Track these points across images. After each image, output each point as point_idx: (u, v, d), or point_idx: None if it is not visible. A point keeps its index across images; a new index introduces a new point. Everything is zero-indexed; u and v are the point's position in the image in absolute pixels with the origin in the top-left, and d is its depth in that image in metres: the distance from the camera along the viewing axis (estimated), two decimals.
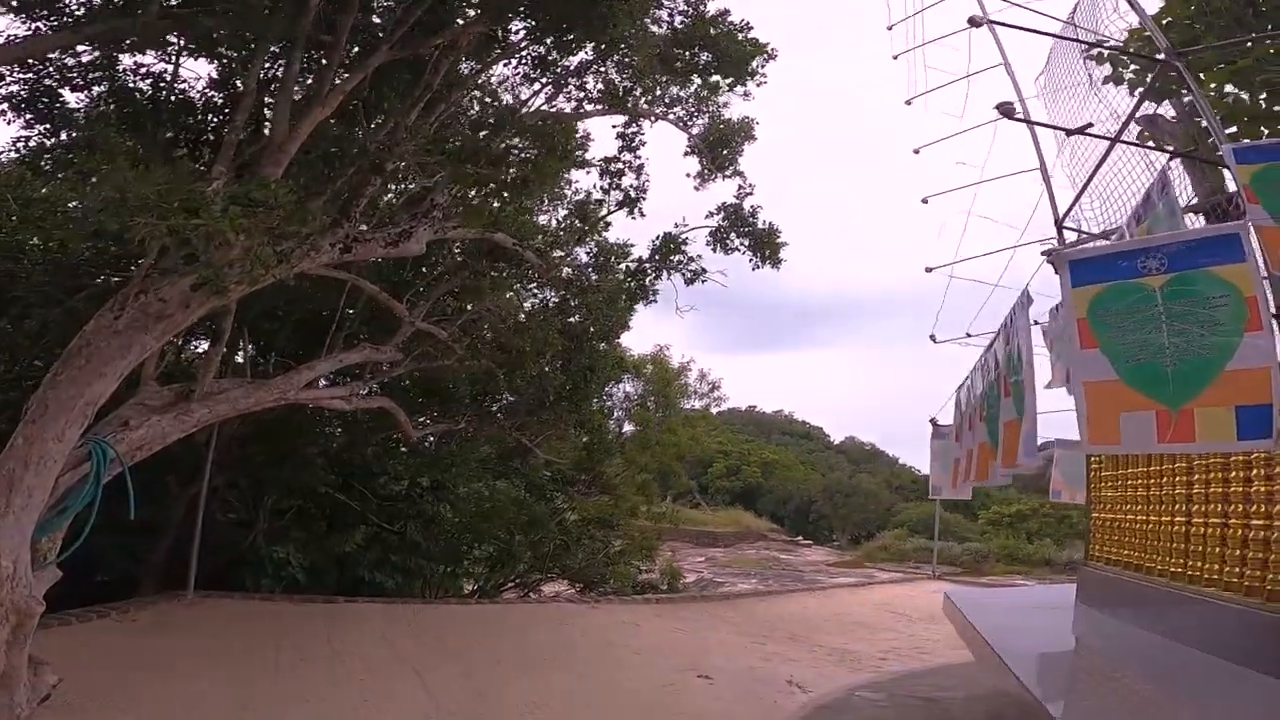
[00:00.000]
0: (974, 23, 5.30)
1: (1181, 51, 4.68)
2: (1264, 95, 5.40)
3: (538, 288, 11.60)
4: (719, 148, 11.18)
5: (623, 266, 11.76)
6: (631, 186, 10.78)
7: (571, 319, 12.03)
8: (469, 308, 10.56)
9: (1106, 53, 6.86)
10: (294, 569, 10.33)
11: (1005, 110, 4.64)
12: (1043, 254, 3.60)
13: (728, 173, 11.41)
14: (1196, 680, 3.65)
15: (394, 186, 8.89)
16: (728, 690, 7.45)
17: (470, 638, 9.11)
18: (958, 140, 8.95)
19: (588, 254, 11.91)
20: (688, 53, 8.95)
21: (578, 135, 8.40)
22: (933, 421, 8.91)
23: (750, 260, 10.99)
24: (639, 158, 10.63)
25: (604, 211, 11.21)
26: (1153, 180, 4.85)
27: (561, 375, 12.16)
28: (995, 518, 34.25)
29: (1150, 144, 6.98)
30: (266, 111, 7.79)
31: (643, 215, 10.97)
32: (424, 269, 11.13)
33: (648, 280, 11.51)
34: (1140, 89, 6.64)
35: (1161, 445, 3.11)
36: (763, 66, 8.92)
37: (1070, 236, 7.82)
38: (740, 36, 8.63)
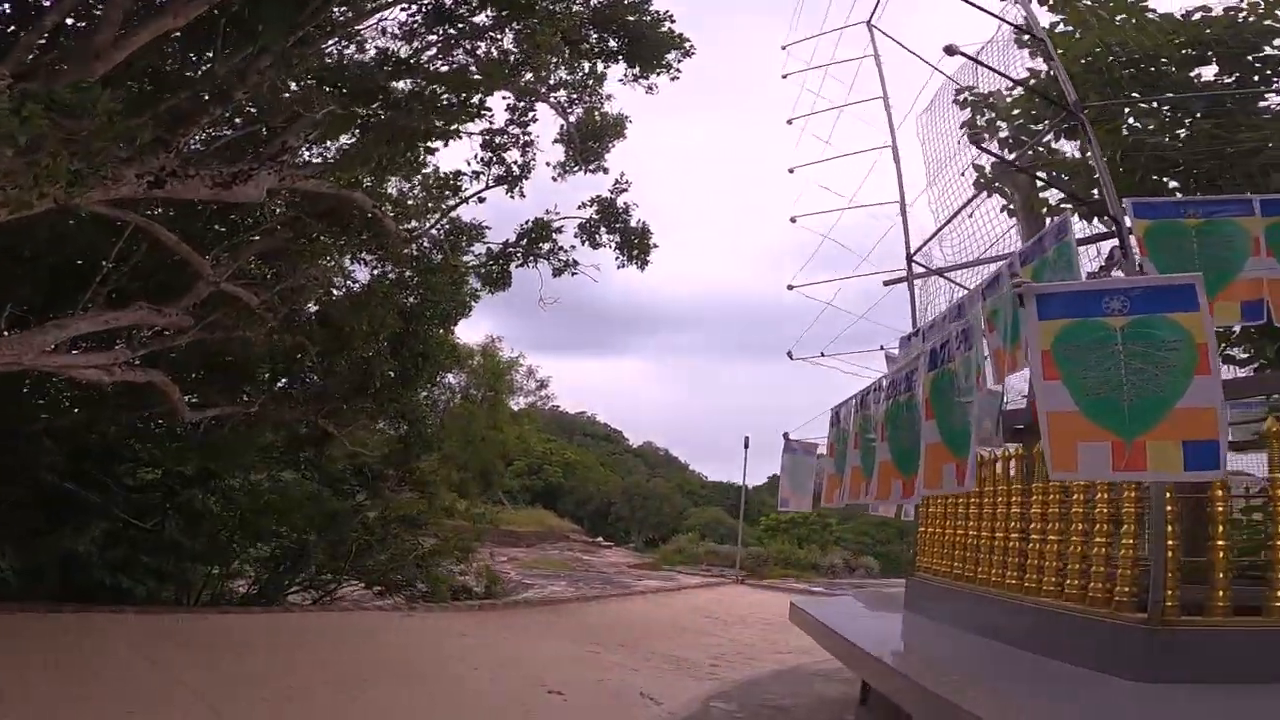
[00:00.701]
0: (950, 50, 5.49)
1: (1089, 105, 5.19)
2: (1120, 155, 6.15)
3: (377, 261, 10.35)
4: (589, 140, 10.79)
5: (481, 249, 10.91)
6: (516, 163, 10.03)
7: (410, 299, 10.92)
8: (286, 272, 9.10)
9: (995, 100, 7.53)
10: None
11: (950, 49, 4.69)
12: (1013, 284, 3.66)
13: (591, 167, 11.05)
14: (1053, 681, 4.00)
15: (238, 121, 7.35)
16: (584, 707, 7.06)
17: (264, 653, 7.72)
18: (836, 164, 9.40)
19: (438, 230, 10.88)
20: (598, 35, 8.47)
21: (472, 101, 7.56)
22: (785, 436, 9.26)
23: (617, 259, 10.72)
24: (528, 134, 9.91)
25: (479, 187, 10.28)
26: (1049, 226, 5.32)
27: (392, 359, 10.98)
28: (772, 524, 37.27)
29: (1001, 188, 7.84)
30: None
31: (523, 196, 10.24)
32: (236, 220, 9.43)
33: (512, 266, 10.76)
34: (1016, 138, 7.37)
35: (1116, 474, 3.33)
36: (678, 61, 8.70)
37: (918, 269, 8.59)
38: (661, 27, 8.33)
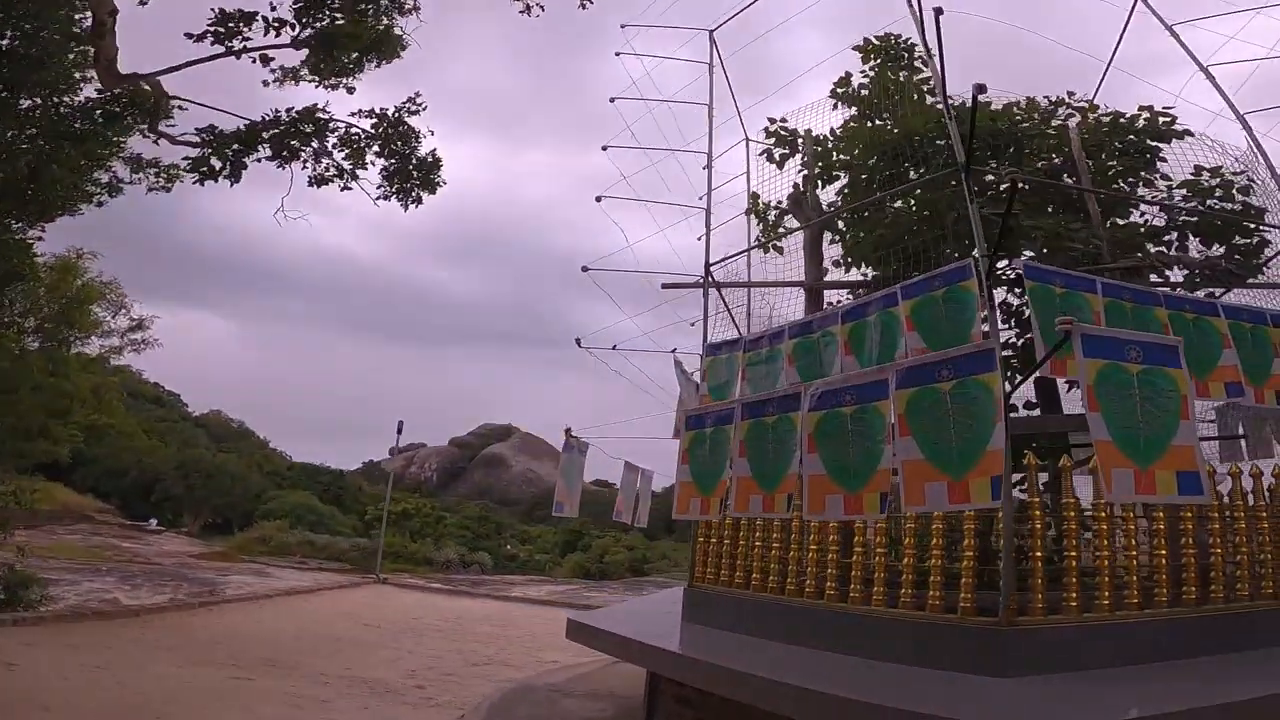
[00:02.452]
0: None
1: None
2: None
3: None
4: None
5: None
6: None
7: None
8: None
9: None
10: None
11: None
12: (1059, 324, 3.72)
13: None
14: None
15: None
16: None
17: None
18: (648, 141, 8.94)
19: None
20: None
21: None
22: (568, 432, 8.37)
23: (380, 188, 8.43)
24: None
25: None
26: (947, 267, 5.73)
27: None
28: (380, 515, 34.62)
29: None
30: None
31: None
32: None
33: (252, 159, 7.57)
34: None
35: (1138, 496, 3.62)
36: None
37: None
38: None
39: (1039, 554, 4.43)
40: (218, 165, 7.50)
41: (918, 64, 8.03)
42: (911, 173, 7.18)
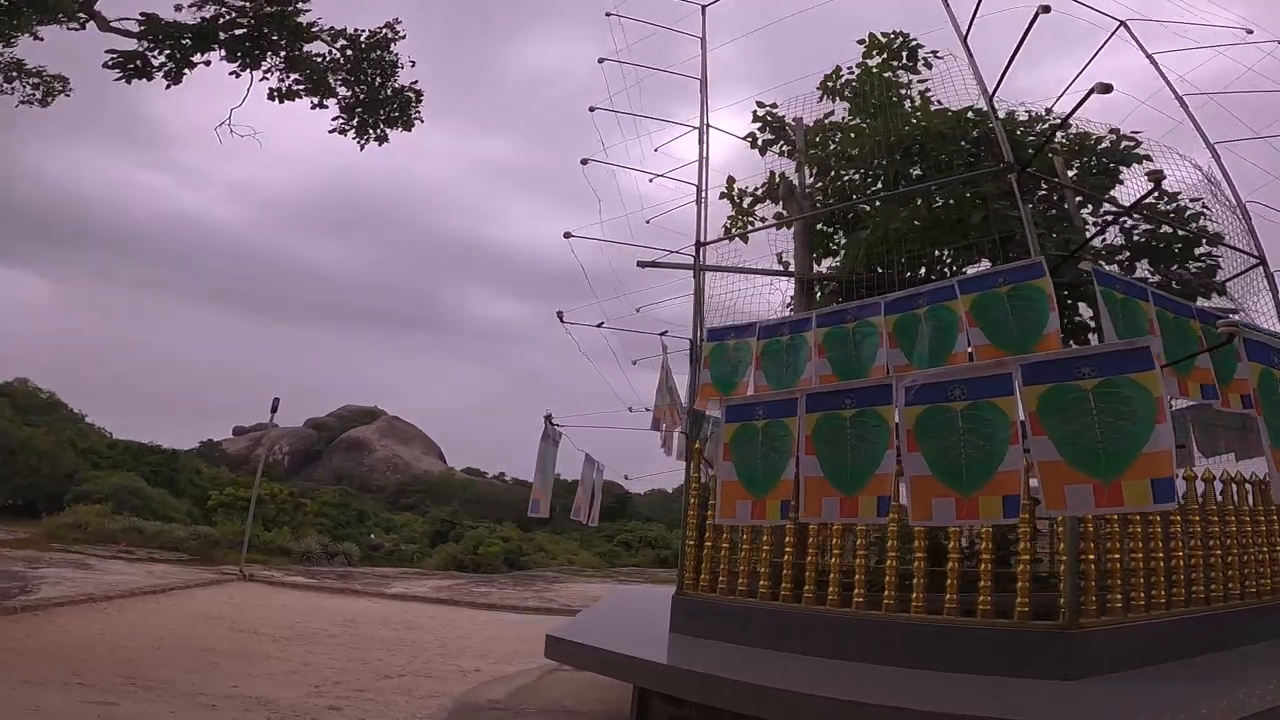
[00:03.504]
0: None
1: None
2: None
3: None
4: None
5: None
6: None
7: None
8: None
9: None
10: None
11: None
12: (1221, 327, 3.51)
13: None
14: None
15: None
16: None
17: None
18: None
19: None
20: None
21: None
22: (548, 419, 7.41)
23: (338, 119, 6.99)
24: None
25: None
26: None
27: None
28: (228, 500, 31.02)
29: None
30: None
31: None
32: None
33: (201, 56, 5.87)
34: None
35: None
36: None
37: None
38: None
39: (1091, 556, 4.38)
40: (158, 62, 5.87)
41: (921, 66, 7.82)
42: (915, 170, 7.00)
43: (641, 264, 7.77)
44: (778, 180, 8.71)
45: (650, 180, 8.32)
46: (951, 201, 6.65)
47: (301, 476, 49.85)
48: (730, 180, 8.85)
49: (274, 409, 21.49)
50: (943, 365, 4.74)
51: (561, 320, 7.76)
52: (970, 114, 6.84)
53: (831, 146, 8.20)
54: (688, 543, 6.04)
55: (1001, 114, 7.54)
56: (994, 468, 3.63)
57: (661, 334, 7.43)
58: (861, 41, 7.99)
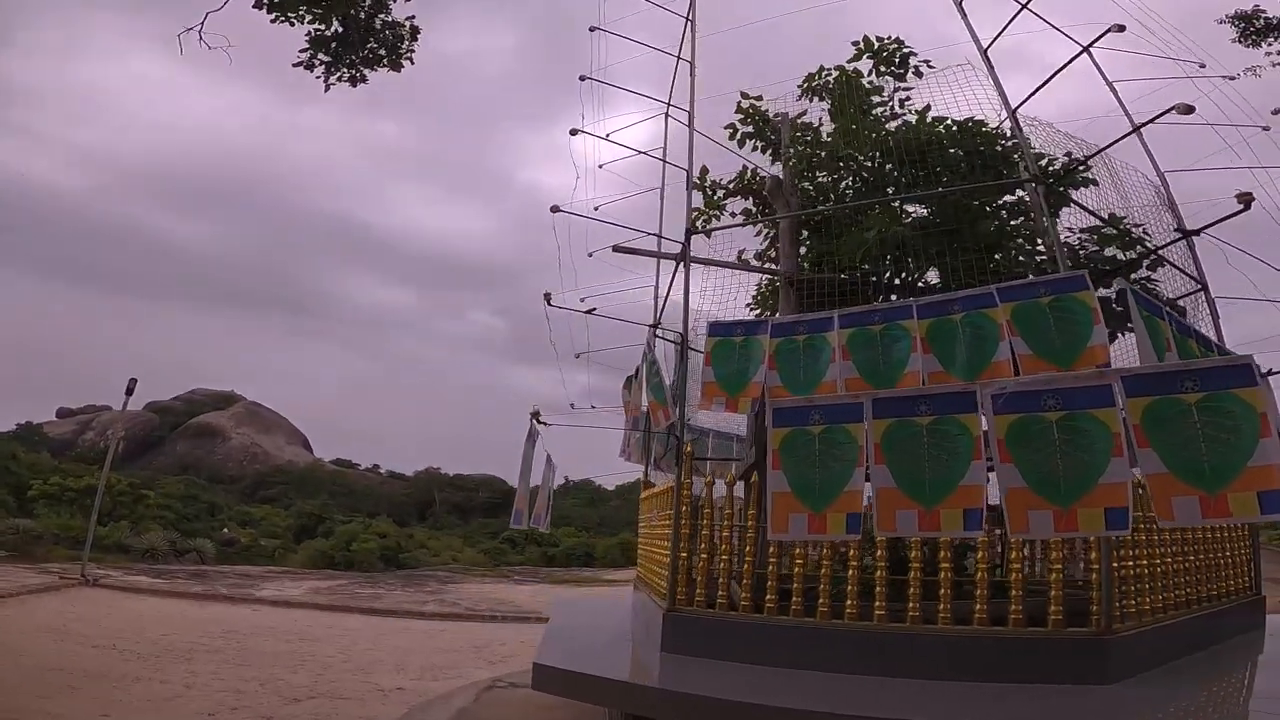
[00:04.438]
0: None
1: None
2: None
3: None
4: None
5: None
6: None
7: None
8: None
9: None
10: None
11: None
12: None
13: None
14: None
15: None
16: None
17: None
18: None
19: None
20: None
21: None
22: (535, 415, 6.57)
23: (306, 50, 5.76)
24: None
25: None
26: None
27: None
28: (53, 491, 26.92)
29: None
30: None
31: None
32: None
33: None
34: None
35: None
36: None
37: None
38: None
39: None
40: None
41: (912, 75, 7.78)
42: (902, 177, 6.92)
43: (618, 249, 7.20)
44: (752, 175, 8.44)
45: (636, 154, 7.76)
46: (947, 211, 6.61)
47: (140, 465, 44.54)
48: (704, 170, 8.46)
49: (129, 391, 18.71)
50: (984, 374, 4.60)
51: (549, 303, 7.03)
52: (970, 125, 6.84)
53: (800, 148, 8.04)
54: (680, 555, 5.55)
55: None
56: (1095, 479, 3.49)
57: (653, 325, 6.90)
58: (856, 44, 7.85)
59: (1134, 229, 7.82)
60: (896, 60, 7.80)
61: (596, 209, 8.43)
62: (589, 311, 7.20)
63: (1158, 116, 4.81)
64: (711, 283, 7.68)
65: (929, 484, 3.78)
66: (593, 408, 9.91)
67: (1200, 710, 4.10)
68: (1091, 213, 7.10)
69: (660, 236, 7.58)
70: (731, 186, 8.51)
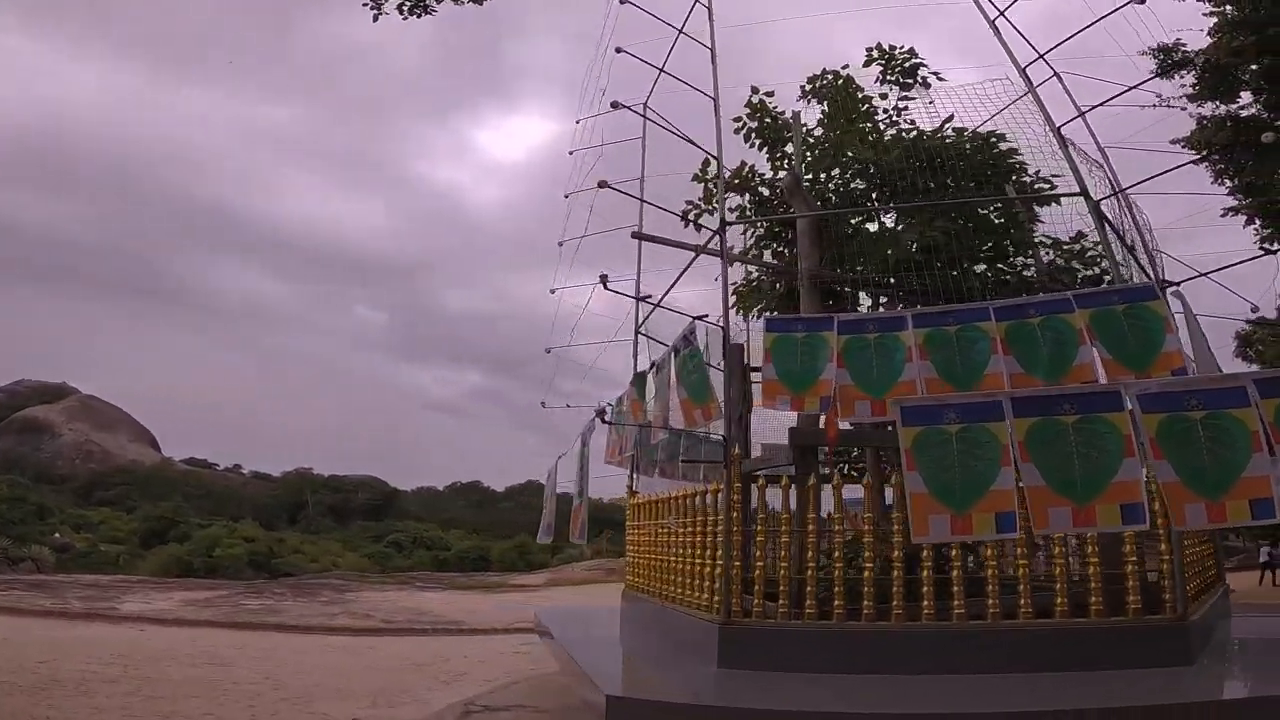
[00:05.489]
0: None
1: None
2: None
3: None
4: None
5: None
6: None
7: None
8: None
9: None
10: None
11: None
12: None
13: None
14: None
15: None
16: None
17: None
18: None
19: None
20: None
21: None
22: (601, 413, 5.88)
23: None
24: None
25: None
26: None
27: None
28: None
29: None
30: None
31: None
32: None
33: None
34: None
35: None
36: None
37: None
38: None
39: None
40: None
41: (919, 86, 7.90)
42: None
43: (636, 235, 6.77)
44: (749, 172, 8.29)
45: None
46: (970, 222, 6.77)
47: None
48: (705, 162, 8.21)
49: None
50: (1067, 377, 4.68)
51: (605, 286, 6.51)
52: (992, 138, 7.02)
53: (813, 148, 8.02)
54: (734, 564, 5.22)
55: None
56: (1238, 474, 3.65)
57: (701, 317, 6.53)
58: (870, 49, 7.92)
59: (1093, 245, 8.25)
60: (904, 69, 7.92)
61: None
62: (643, 298, 6.75)
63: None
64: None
65: (1080, 481, 3.80)
66: (568, 406, 9.43)
67: None
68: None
69: (725, 224, 7.18)
70: (734, 181, 8.32)
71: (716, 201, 8.24)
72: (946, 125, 7.28)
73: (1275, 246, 12.91)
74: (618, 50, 7.19)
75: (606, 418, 6.30)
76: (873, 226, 7.59)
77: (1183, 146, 12.72)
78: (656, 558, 6.82)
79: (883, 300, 7.60)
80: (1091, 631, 4.44)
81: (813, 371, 5.21)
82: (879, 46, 7.93)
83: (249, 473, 48.62)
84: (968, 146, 7.01)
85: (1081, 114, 6.13)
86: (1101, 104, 6.28)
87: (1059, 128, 5.94)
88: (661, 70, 6.90)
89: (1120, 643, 4.38)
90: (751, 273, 8.86)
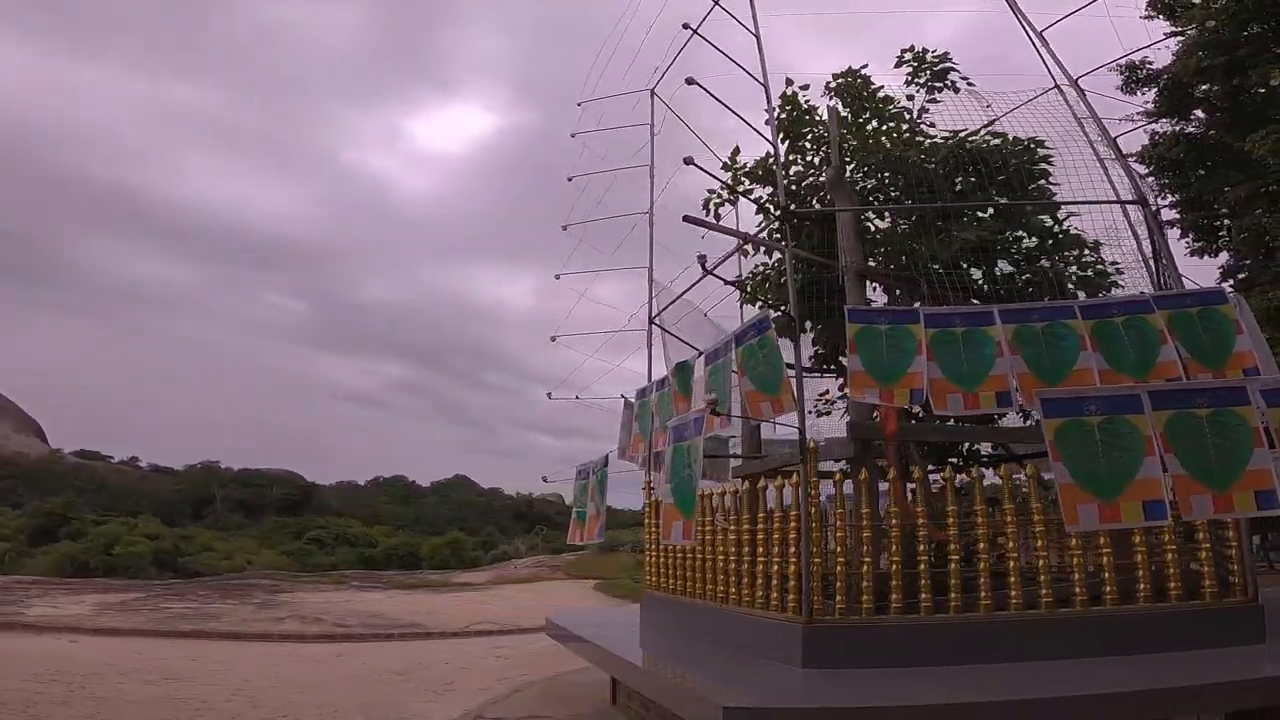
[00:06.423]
0: None
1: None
2: None
3: None
4: None
5: None
6: None
7: None
8: None
9: None
10: None
11: None
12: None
13: None
14: None
15: None
16: None
17: None
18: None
19: None
20: None
21: None
22: (710, 405, 5.44)
23: None
24: None
25: None
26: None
27: None
28: None
29: None
30: None
31: None
32: None
33: None
34: None
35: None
36: None
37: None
38: None
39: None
40: None
41: (948, 89, 7.95)
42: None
43: (687, 219, 6.47)
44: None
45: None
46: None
47: None
48: (735, 150, 8.04)
49: None
50: (1152, 374, 4.80)
51: (705, 269, 6.18)
52: (1031, 143, 7.14)
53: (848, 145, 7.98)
54: (814, 561, 5.04)
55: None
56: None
57: (781, 311, 6.28)
58: (904, 51, 7.93)
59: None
60: (932, 72, 7.96)
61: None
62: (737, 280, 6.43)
63: None
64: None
65: (1216, 470, 4.01)
66: (576, 398, 9.02)
67: None
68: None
69: (786, 212, 6.91)
70: (760, 171, 8.17)
71: (731, 191, 8.12)
72: (985, 129, 7.36)
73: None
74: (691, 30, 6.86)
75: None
76: (902, 226, 7.63)
77: (1135, 160, 13.59)
78: (700, 558, 6.54)
79: (898, 294, 7.67)
80: (1171, 615, 4.66)
81: (900, 364, 5.13)
82: (912, 49, 7.96)
83: (147, 466, 44.84)
84: (1004, 150, 7.10)
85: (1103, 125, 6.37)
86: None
87: (1115, 138, 6.13)
88: (722, 53, 6.60)
89: (1198, 625, 4.64)
90: (758, 265, 8.76)
